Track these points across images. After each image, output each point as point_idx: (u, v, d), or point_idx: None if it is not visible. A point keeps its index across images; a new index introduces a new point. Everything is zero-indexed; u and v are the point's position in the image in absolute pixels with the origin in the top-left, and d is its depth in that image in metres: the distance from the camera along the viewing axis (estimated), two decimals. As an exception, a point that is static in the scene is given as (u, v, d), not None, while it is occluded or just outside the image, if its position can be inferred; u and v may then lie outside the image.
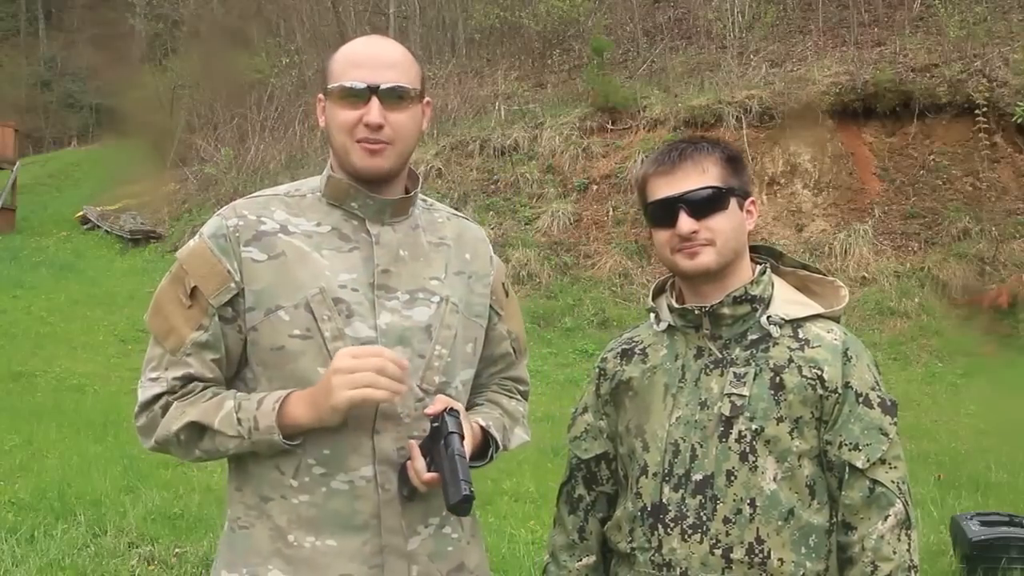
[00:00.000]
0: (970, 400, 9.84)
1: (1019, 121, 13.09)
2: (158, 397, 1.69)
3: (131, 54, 27.54)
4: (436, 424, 1.66)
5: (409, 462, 1.67)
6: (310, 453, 1.68)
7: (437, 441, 1.64)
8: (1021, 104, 13.07)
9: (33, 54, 35.43)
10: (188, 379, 1.69)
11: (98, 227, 18.56)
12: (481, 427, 1.78)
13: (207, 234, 1.72)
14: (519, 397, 1.95)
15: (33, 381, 9.83)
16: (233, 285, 1.68)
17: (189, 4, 24.74)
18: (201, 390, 1.69)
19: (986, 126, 12.94)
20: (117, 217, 18.61)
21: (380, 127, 1.68)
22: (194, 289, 1.68)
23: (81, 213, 19.16)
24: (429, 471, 1.64)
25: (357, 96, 1.69)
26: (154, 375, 1.70)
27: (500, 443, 1.81)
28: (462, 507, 1.57)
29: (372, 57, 1.72)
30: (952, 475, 6.97)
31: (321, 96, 1.76)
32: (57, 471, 6.36)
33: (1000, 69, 13.75)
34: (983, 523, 5.00)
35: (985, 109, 12.84)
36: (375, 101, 1.68)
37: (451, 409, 1.67)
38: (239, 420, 1.64)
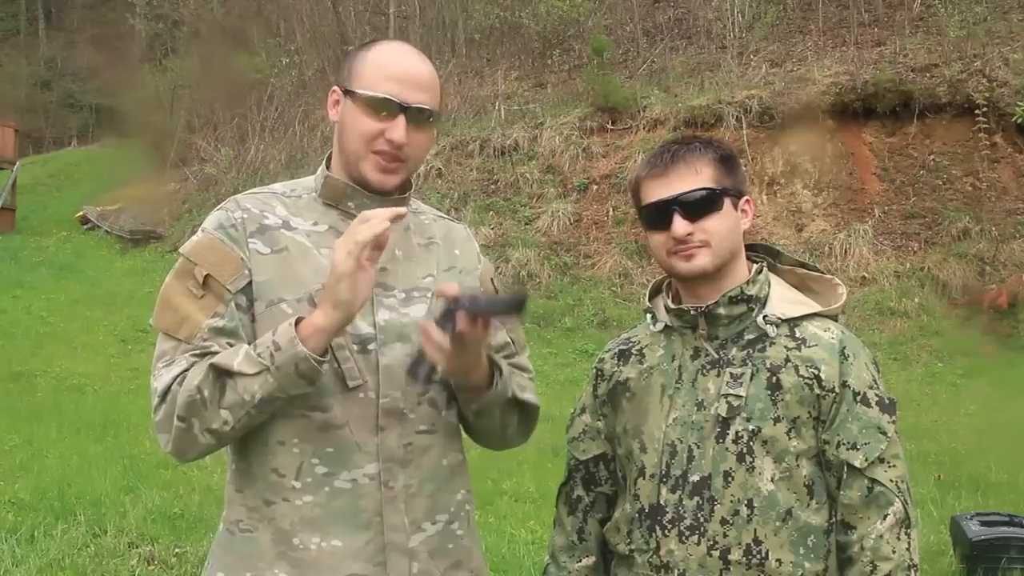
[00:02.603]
0: (970, 400, 9.84)
1: (1019, 121, 13.10)
2: (177, 376, 1.61)
3: (131, 54, 27.53)
4: (451, 305, 1.59)
5: (424, 339, 1.60)
6: (313, 452, 1.67)
7: (455, 312, 1.57)
8: (1021, 104, 13.07)
9: (33, 54, 35.42)
10: (211, 349, 1.63)
11: (98, 227, 18.57)
12: (490, 359, 1.73)
13: (213, 226, 1.71)
14: (522, 374, 1.88)
15: (33, 381, 9.83)
16: (247, 272, 1.67)
17: (189, 4, 24.72)
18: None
19: (986, 126, 12.94)
20: (117, 217, 18.61)
21: (403, 145, 1.69)
22: (207, 278, 1.65)
23: (81, 213, 19.18)
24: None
25: (386, 110, 1.69)
26: (165, 361, 1.64)
27: (504, 372, 1.75)
28: (514, 303, 1.53)
29: (408, 74, 1.71)
30: (952, 475, 6.97)
31: (337, 89, 1.75)
32: (57, 471, 6.36)
33: (1000, 69, 13.75)
34: (983, 523, 5.00)
35: (985, 109, 12.84)
36: (402, 119, 1.68)
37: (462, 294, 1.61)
38: (258, 355, 1.57)
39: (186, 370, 1.61)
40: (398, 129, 1.68)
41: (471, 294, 1.64)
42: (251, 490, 1.71)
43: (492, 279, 1.92)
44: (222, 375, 1.58)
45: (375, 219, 1.54)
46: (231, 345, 1.65)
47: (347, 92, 1.73)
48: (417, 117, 1.70)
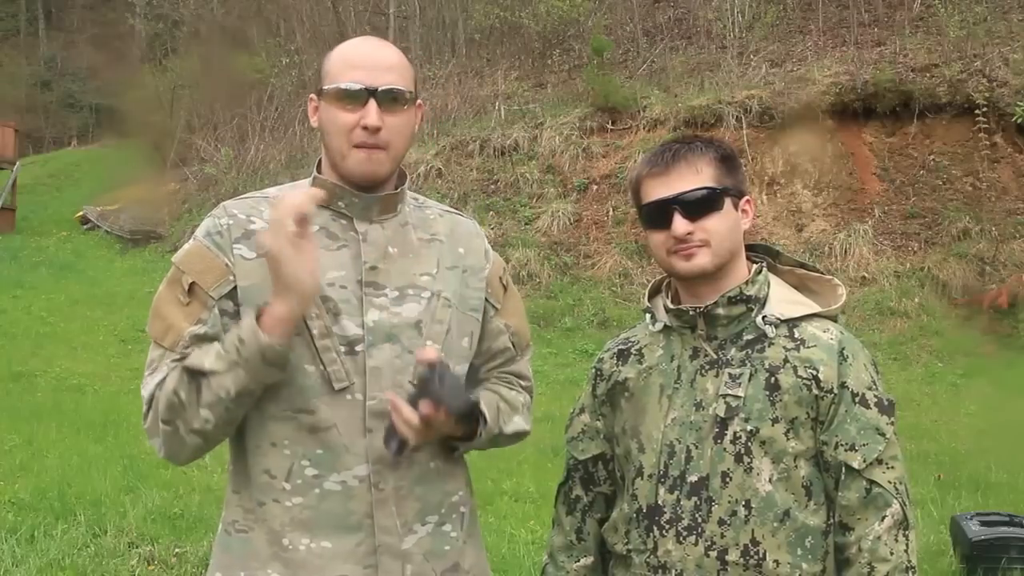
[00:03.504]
0: (970, 400, 9.84)
1: (1019, 121, 13.09)
2: (160, 385, 1.65)
3: (131, 54, 27.51)
4: (427, 373, 1.61)
5: (395, 414, 1.64)
6: (303, 454, 1.67)
7: (430, 384, 1.61)
8: (1021, 104, 13.07)
9: (33, 54, 35.40)
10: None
11: (98, 227, 18.56)
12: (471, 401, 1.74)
13: (201, 234, 1.73)
14: (519, 389, 1.92)
15: (33, 381, 9.83)
16: (232, 278, 1.69)
17: (189, 4, 24.71)
18: None
19: (986, 126, 12.94)
20: (117, 217, 18.60)
21: (378, 130, 1.69)
22: (192, 285, 1.68)
23: (81, 213, 19.17)
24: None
25: (354, 98, 1.69)
26: (150, 370, 1.68)
27: (488, 419, 1.76)
28: (467, 407, 1.55)
29: (369, 59, 1.72)
30: (952, 475, 6.97)
31: (313, 96, 1.77)
32: (57, 471, 6.36)
33: (1000, 69, 13.75)
34: (983, 523, 5.00)
35: (985, 109, 12.84)
36: (373, 103, 1.68)
37: (442, 360, 1.64)
38: (225, 351, 1.61)
39: (166, 377, 1.65)
40: (371, 114, 1.68)
41: (443, 370, 1.63)
42: (246, 491, 1.72)
43: (501, 277, 1.90)
44: (196, 376, 1.62)
45: (292, 200, 1.57)
46: None
47: (320, 94, 1.74)
48: (388, 99, 1.70)
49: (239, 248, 1.71)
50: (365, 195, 1.75)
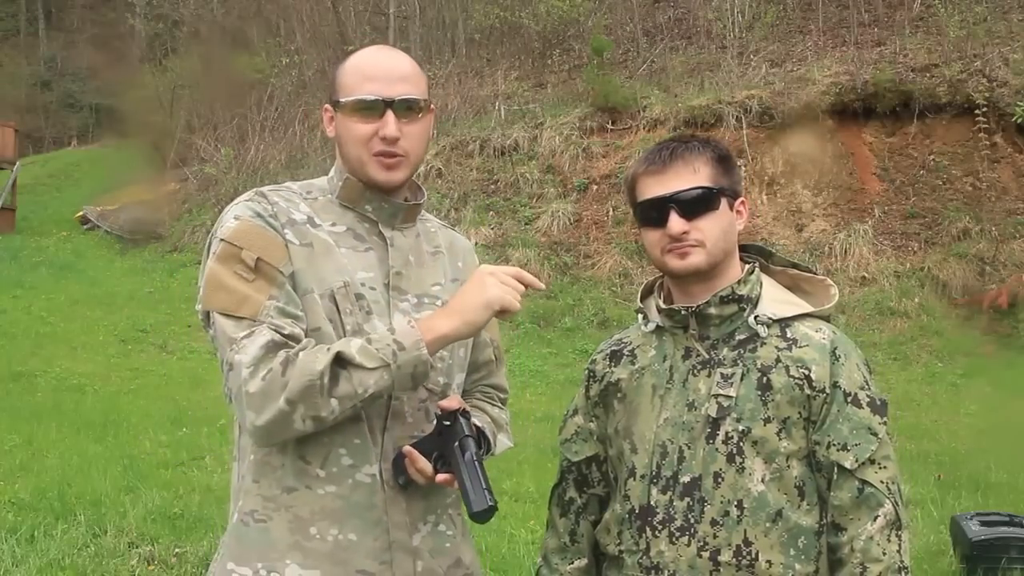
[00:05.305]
0: (970, 400, 9.84)
1: (1019, 121, 13.09)
2: (269, 347, 1.57)
3: (131, 54, 27.50)
4: (448, 424, 1.67)
5: (407, 461, 1.69)
6: (341, 442, 1.68)
7: (450, 441, 1.66)
8: (1021, 104, 13.07)
9: (33, 54, 35.39)
10: (284, 330, 1.60)
11: (98, 227, 18.56)
12: (477, 428, 1.79)
13: (248, 215, 1.70)
14: (500, 405, 1.98)
15: (33, 381, 9.84)
16: (290, 259, 1.68)
17: (189, 4, 24.71)
18: (314, 345, 1.61)
19: (986, 126, 12.94)
20: (117, 217, 18.60)
21: (396, 140, 1.72)
22: (258, 261, 1.64)
23: (81, 213, 19.16)
24: (436, 469, 1.66)
25: (372, 109, 1.72)
26: (245, 332, 1.59)
27: (492, 447, 1.84)
28: (486, 516, 1.59)
29: (383, 70, 1.74)
30: (952, 475, 6.97)
31: (329, 107, 1.79)
32: (57, 471, 6.37)
33: (1000, 69, 13.75)
34: (983, 523, 5.00)
35: (985, 109, 12.85)
36: (390, 114, 1.71)
37: (464, 410, 1.69)
38: (377, 350, 1.59)
39: (276, 344, 1.58)
40: (389, 125, 1.71)
41: (468, 432, 1.67)
42: (270, 479, 1.71)
43: None
44: (339, 364, 1.58)
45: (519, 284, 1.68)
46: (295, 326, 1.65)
47: (335, 105, 1.76)
48: (404, 109, 1.73)
49: (287, 233, 1.70)
50: (394, 201, 1.78)
